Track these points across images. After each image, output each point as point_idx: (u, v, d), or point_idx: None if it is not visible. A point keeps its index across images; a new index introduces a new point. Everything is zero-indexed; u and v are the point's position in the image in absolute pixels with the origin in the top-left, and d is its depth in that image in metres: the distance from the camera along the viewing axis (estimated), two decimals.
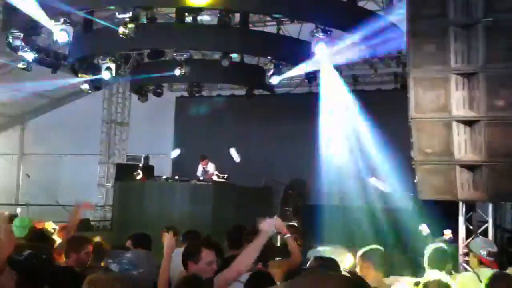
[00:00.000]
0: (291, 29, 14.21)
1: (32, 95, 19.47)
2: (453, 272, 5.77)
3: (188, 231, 6.81)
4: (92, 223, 17.82)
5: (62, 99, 21.00)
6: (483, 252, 5.42)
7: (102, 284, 2.96)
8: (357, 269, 4.73)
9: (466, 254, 7.58)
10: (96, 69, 14.30)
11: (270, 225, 4.19)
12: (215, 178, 13.79)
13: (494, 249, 5.59)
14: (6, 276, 3.73)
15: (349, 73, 17.68)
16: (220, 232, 7.34)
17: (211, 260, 4.07)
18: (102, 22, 12.55)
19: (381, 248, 4.91)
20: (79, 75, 14.84)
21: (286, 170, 16.42)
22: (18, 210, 17.86)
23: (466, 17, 6.66)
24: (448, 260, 5.47)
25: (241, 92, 18.10)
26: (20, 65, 13.76)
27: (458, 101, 6.77)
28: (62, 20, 11.44)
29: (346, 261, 4.77)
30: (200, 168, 14.22)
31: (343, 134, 16.56)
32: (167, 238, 4.47)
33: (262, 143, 17.28)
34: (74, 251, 4.94)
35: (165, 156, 19.10)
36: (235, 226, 6.14)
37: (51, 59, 14.52)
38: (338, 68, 17.36)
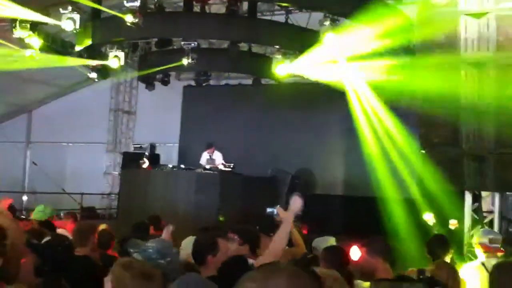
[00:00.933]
0: (299, 18, 14.14)
1: (39, 83, 19.50)
2: (456, 262, 5.77)
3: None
4: (98, 211, 17.91)
5: (69, 87, 21.03)
6: (485, 240, 5.40)
7: (139, 267, 2.89)
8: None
9: (472, 245, 7.57)
10: (104, 58, 14.29)
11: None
12: (221, 167, 13.77)
13: (497, 236, 5.57)
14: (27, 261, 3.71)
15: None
16: (226, 221, 7.34)
17: (227, 250, 4.04)
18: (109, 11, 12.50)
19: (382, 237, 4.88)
20: (87, 63, 14.83)
21: (293, 160, 16.39)
22: (24, 197, 18.00)
23: (477, 5, 6.62)
24: None
25: (248, 81, 18.07)
26: (27, 53, 13.74)
27: (467, 90, 6.74)
28: (69, 8, 11.42)
29: (352, 253, 4.73)
30: (206, 156, 14.18)
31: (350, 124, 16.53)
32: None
33: (269, 132, 17.24)
34: (87, 240, 4.93)
35: (171, 145, 19.13)
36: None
37: (58, 47, 14.52)
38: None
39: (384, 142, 15.09)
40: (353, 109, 15.14)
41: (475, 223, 7.70)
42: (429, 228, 8.09)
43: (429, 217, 8.15)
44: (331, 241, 5.72)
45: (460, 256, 6.99)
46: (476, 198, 7.84)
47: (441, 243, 5.47)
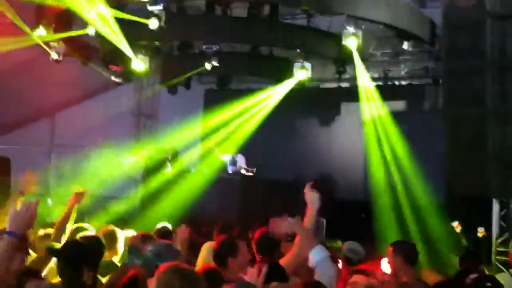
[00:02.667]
0: (321, 21, 14.05)
1: (63, 87, 19.65)
2: (486, 271, 5.65)
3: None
4: (120, 214, 17.96)
5: (92, 91, 21.16)
6: None
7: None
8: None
9: (500, 253, 7.43)
10: (127, 61, 14.35)
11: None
12: (243, 171, 13.74)
13: None
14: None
15: (380, 68, 17.48)
16: (248, 227, 7.29)
17: (246, 252, 4.06)
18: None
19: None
20: (110, 67, 14.92)
21: (315, 165, 16.30)
22: (49, 201, 18.12)
23: (503, 7, 6.49)
24: None
25: (270, 85, 18.00)
26: (51, 57, 13.86)
27: (493, 94, 6.61)
28: (93, 11, 11.49)
29: (383, 266, 4.65)
30: (229, 156, 14.19)
31: (372, 130, 16.40)
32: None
33: (290, 136, 17.18)
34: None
35: (193, 149, 19.12)
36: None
37: (82, 50, 14.63)
38: (368, 61, 17.23)
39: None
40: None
41: (503, 230, 7.55)
42: (456, 235, 7.96)
43: (456, 225, 8.03)
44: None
45: (488, 264, 6.86)
46: (504, 205, 7.69)
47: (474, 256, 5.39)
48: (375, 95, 14.97)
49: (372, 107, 15.35)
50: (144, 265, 3.53)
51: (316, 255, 3.71)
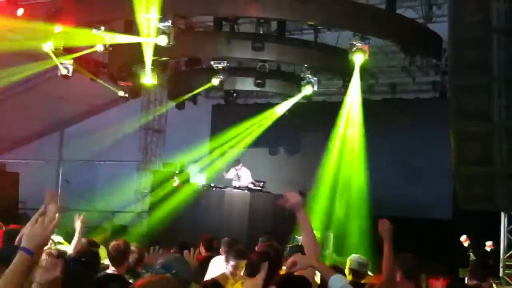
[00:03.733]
0: (328, 37, 14.14)
1: (72, 102, 19.81)
2: (494, 286, 5.64)
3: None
4: (129, 229, 18.00)
5: (101, 106, 21.30)
6: None
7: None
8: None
9: (509, 267, 7.41)
10: (135, 77, 14.46)
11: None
12: (251, 186, 13.76)
13: None
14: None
15: (387, 81, 17.53)
16: (255, 240, 7.30)
17: None
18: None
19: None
20: (118, 82, 15.04)
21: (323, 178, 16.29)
22: (57, 215, 18.17)
23: (510, 23, 6.53)
24: None
25: (278, 100, 18.08)
26: (60, 72, 13.98)
27: (500, 109, 6.63)
28: (102, 28, 11.62)
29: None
30: (234, 172, 14.20)
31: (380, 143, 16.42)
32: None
33: (298, 150, 17.22)
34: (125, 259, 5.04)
35: (201, 163, 19.19)
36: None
37: (90, 66, 14.76)
38: (375, 76, 17.30)
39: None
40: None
41: (511, 244, 7.54)
42: (464, 250, 7.95)
43: (464, 239, 8.02)
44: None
45: (496, 278, 6.85)
46: None
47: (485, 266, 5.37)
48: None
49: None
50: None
51: (337, 283, 3.51)
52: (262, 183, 13.81)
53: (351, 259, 5.86)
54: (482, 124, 6.84)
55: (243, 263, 5.70)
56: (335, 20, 11.80)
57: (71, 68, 13.74)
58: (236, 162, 14.26)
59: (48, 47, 12.93)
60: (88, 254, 4.50)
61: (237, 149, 17.15)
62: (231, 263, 5.58)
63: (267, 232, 6.87)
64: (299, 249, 4.55)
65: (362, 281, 5.65)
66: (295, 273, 4.12)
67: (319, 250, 4.00)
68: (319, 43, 14.09)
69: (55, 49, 13.06)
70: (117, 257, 5.07)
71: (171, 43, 10.96)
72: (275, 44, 13.05)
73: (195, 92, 16.85)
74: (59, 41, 12.89)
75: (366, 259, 5.84)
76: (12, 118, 18.63)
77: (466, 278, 5.53)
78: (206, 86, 14.83)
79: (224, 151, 17.94)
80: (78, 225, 6.00)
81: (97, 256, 4.76)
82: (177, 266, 3.58)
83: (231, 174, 14.14)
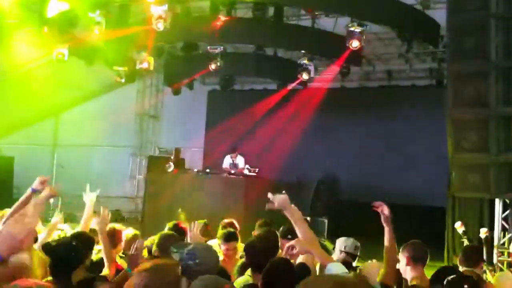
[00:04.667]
0: (325, 22, 14.07)
1: (67, 87, 19.71)
2: (487, 272, 5.66)
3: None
4: (123, 214, 18.02)
5: (96, 91, 21.21)
6: None
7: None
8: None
9: (502, 253, 7.45)
10: (131, 62, 14.39)
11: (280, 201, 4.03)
12: (246, 172, 13.74)
13: None
14: (38, 261, 3.75)
15: (384, 68, 17.51)
16: (251, 226, 7.31)
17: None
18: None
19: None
20: (114, 67, 14.96)
21: (318, 165, 16.33)
22: (51, 200, 18.17)
23: (508, 10, 6.50)
24: None
25: (274, 86, 18.04)
26: (55, 57, 13.89)
27: (497, 96, 6.62)
28: (98, 11, 11.54)
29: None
30: (229, 160, 14.15)
31: (375, 130, 16.43)
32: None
33: (294, 137, 17.20)
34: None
35: (196, 149, 19.17)
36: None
37: (86, 51, 14.66)
38: (371, 62, 17.27)
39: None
40: None
41: (505, 231, 7.57)
42: (459, 236, 7.97)
43: (459, 225, 8.04)
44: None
45: (490, 263, 6.87)
46: (507, 206, 7.71)
47: (477, 252, 5.38)
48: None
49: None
50: (180, 261, 3.58)
51: (334, 270, 3.51)
52: (257, 169, 13.79)
53: (347, 242, 5.84)
54: (479, 111, 6.83)
55: (233, 244, 5.74)
56: (333, 5, 11.73)
57: (66, 52, 13.66)
58: (231, 150, 14.17)
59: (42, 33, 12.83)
60: (80, 237, 4.47)
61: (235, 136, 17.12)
62: (222, 247, 5.64)
63: (264, 223, 6.84)
64: (290, 230, 4.58)
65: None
66: (297, 260, 4.15)
67: (316, 238, 4.02)
68: (316, 28, 14.01)
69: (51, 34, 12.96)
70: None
71: (167, 28, 10.89)
72: (272, 30, 12.98)
73: (191, 77, 16.81)
74: (55, 25, 12.78)
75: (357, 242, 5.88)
76: (7, 103, 18.53)
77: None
78: (201, 71, 14.73)
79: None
80: (87, 205, 5.82)
81: (89, 241, 4.73)
82: (202, 256, 3.55)
83: (226, 163, 14.08)
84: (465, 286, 3.49)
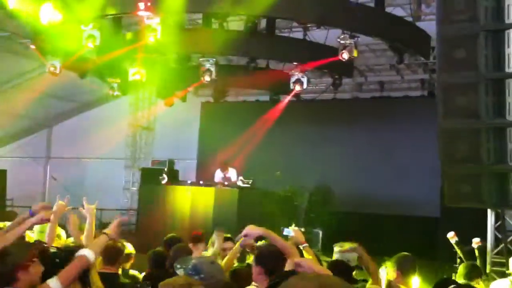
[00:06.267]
0: (317, 34, 14.17)
1: (60, 99, 19.73)
2: (481, 282, 5.68)
3: None
4: None
5: (89, 103, 21.23)
6: None
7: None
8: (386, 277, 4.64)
9: (495, 264, 7.48)
10: (124, 74, 14.41)
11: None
12: (239, 183, 13.72)
13: None
14: (35, 269, 3.74)
15: (376, 79, 17.61)
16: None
17: None
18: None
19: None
20: (107, 80, 14.98)
21: (311, 176, 16.34)
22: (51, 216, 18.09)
23: (497, 22, 6.57)
24: None
25: (266, 98, 18.10)
26: (48, 70, 13.89)
27: (488, 107, 6.67)
28: (91, 25, 11.56)
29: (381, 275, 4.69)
30: (220, 174, 14.07)
31: (368, 141, 16.49)
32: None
33: (287, 148, 17.24)
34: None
35: (190, 161, 19.18)
36: None
37: (79, 63, 14.67)
38: (363, 73, 17.37)
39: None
40: None
41: (498, 241, 7.60)
42: (451, 246, 7.99)
43: (451, 235, 8.05)
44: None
45: (484, 275, 6.89)
46: (499, 216, 7.74)
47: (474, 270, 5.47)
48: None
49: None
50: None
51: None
52: (251, 180, 13.77)
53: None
54: (470, 122, 6.88)
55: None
56: (324, 18, 11.81)
57: (58, 65, 13.67)
58: (222, 165, 14.02)
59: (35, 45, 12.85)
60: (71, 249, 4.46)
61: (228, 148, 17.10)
62: None
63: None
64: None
65: None
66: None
67: (294, 250, 4.15)
68: (308, 40, 14.11)
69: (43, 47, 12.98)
70: (111, 256, 5.04)
71: (159, 40, 10.93)
72: (264, 42, 13.05)
73: (184, 88, 16.84)
74: (48, 38, 12.80)
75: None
76: (0, 115, 18.52)
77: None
78: (194, 83, 14.77)
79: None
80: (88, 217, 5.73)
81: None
82: (206, 270, 3.61)
83: (218, 177, 14.00)
84: None
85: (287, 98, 15.78)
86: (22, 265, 3.55)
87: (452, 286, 3.71)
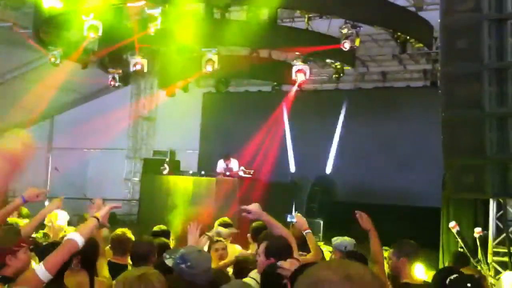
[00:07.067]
0: (319, 24, 14.10)
1: (62, 90, 19.70)
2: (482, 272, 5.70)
3: None
4: (118, 217, 17.98)
5: (91, 94, 21.21)
6: None
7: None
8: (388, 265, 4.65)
9: (497, 254, 7.48)
10: (125, 65, 14.38)
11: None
12: (241, 173, 13.73)
13: None
14: (24, 255, 3.72)
15: (378, 69, 17.56)
16: (246, 227, 7.31)
17: None
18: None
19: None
20: (109, 70, 14.95)
21: (313, 166, 16.35)
22: (47, 203, 18.14)
23: (501, 11, 6.54)
24: None
25: (268, 88, 18.07)
26: (49, 60, 13.86)
27: (491, 97, 6.65)
28: (92, 15, 11.52)
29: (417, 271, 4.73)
30: (222, 164, 14.10)
31: (370, 131, 16.46)
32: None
33: (289, 139, 17.25)
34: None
35: (191, 152, 19.18)
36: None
37: (80, 54, 14.63)
38: (366, 64, 17.31)
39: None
40: None
41: (499, 231, 7.60)
42: (454, 236, 8.01)
43: (453, 225, 8.07)
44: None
45: (485, 264, 6.91)
46: (501, 206, 7.74)
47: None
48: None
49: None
50: (174, 266, 3.71)
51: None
52: (253, 171, 13.78)
53: (345, 241, 5.94)
54: (473, 112, 6.85)
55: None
56: (326, 7, 11.75)
57: (59, 56, 13.64)
58: (224, 156, 14.07)
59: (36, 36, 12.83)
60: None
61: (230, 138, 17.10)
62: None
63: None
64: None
65: None
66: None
67: (292, 239, 4.32)
68: (310, 30, 14.04)
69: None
70: (120, 247, 5.06)
71: (161, 30, 10.89)
72: (266, 32, 12.98)
73: (185, 79, 16.79)
74: (49, 29, 12.78)
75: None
76: (1, 106, 18.50)
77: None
78: (196, 73, 14.72)
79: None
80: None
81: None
82: (192, 259, 3.65)
83: (220, 167, 14.04)
84: (468, 285, 3.54)
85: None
86: (10, 250, 3.53)
87: (455, 275, 3.70)
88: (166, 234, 6.68)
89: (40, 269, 3.20)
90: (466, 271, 4.66)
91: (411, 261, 4.46)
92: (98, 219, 3.56)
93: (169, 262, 3.81)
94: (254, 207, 4.36)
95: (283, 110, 17.15)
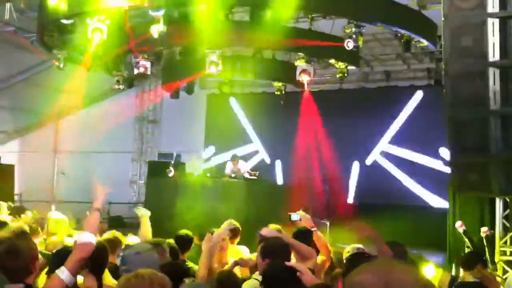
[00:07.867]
0: (323, 25, 14.08)
1: (67, 93, 19.74)
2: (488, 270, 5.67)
3: None
4: (124, 220, 18.02)
5: (96, 97, 21.24)
6: None
7: None
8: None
9: (504, 253, 7.45)
10: (129, 67, 14.40)
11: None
12: (246, 175, 13.74)
13: None
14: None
15: (382, 69, 17.54)
16: (253, 229, 7.29)
17: None
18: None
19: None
20: (113, 73, 14.97)
21: (319, 167, 16.32)
22: (53, 206, 18.19)
23: (505, 9, 6.50)
24: None
25: (273, 89, 18.05)
26: (54, 64, 13.91)
27: (495, 95, 6.61)
28: (96, 18, 11.53)
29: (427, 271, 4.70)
30: (231, 166, 14.12)
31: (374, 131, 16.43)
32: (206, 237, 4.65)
33: (294, 139, 17.22)
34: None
35: (196, 154, 19.19)
36: None
37: (85, 57, 14.65)
38: (369, 63, 17.28)
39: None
40: None
41: (506, 230, 7.57)
42: (459, 236, 7.97)
43: (459, 225, 8.04)
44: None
45: (492, 263, 6.87)
46: (507, 205, 7.71)
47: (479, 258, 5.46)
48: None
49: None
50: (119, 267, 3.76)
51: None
52: (258, 172, 13.78)
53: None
54: (477, 110, 6.82)
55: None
56: (330, 7, 11.74)
57: (64, 59, 13.67)
58: (232, 158, 14.08)
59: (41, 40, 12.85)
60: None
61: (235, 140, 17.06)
62: None
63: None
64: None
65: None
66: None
67: (312, 251, 4.52)
68: (313, 30, 14.02)
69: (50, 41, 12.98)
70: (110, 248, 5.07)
71: (164, 32, 10.90)
72: (269, 32, 12.96)
73: (189, 81, 16.79)
74: (53, 33, 12.80)
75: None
76: (7, 110, 18.56)
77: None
78: (200, 75, 14.71)
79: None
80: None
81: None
82: (130, 262, 3.66)
83: (228, 169, 14.07)
84: None
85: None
86: (36, 256, 3.56)
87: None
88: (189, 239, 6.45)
89: (63, 273, 3.25)
90: (478, 273, 4.64)
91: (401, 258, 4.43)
92: (99, 210, 3.62)
93: (118, 259, 3.83)
94: (268, 231, 4.51)
95: (287, 111, 17.06)
